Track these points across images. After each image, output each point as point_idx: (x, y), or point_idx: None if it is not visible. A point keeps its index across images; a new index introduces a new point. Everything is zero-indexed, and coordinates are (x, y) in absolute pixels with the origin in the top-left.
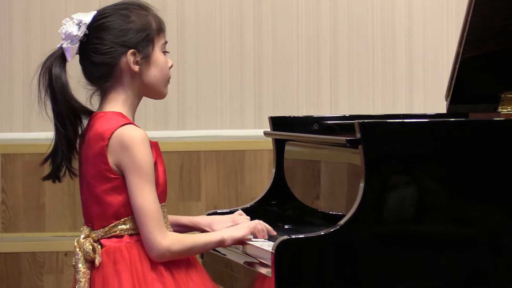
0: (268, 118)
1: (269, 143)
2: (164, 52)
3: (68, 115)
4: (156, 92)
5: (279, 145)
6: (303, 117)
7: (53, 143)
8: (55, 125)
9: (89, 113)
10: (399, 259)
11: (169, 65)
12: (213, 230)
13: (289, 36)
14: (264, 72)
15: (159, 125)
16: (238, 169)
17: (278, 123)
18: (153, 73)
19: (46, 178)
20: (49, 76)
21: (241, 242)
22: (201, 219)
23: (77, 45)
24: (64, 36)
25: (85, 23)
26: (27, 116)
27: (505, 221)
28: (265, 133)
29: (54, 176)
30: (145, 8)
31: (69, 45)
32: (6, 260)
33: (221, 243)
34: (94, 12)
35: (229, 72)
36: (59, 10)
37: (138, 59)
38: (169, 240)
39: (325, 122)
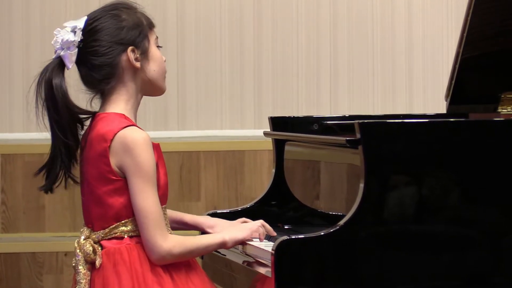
0: (268, 118)
1: (269, 143)
2: (158, 47)
3: (69, 124)
4: (157, 88)
5: (279, 145)
6: (303, 117)
7: (49, 153)
8: (53, 134)
9: (92, 115)
10: (399, 259)
11: (164, 59)
12: (215, 232)
13: (289, 36)
14: (264, 72)
15: (159, 125)
16: (237, 169)
17: (278, 123)
18: (152, 68)
19: (42, 188)
20: (49, 87)
21: (242, 242)
22: (205, 221)
23: (76, 51)
24: (60, 45)
25: (80, 28)
26: (27, 116)
27: (505, 221)
28: (265, 133)
29: (51, 186)
30: (132, 7)
31: (67, 52)
32: (6, 260)
33: (222, 245)
34: (85, 17)
35: (229, 72)
36: (58, 10)
37: (138, 55)
38: (170, 243)
39: (325, 122)
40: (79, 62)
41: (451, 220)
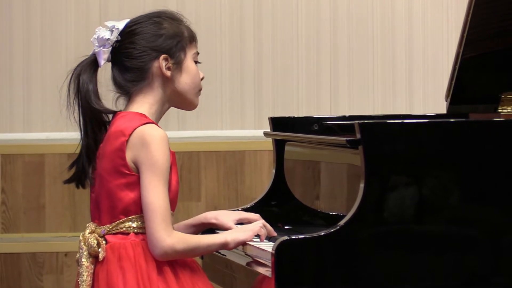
0: (268, 118)
1: (269, 144)
2: (196, 62)
3: (91, 122)
4: (187, 101)
5: (279, 145)
6: (303, 117)
7: (79, 147)
8: (80, 130)
9: (113, 113)
10: (399, 259)
11: (201, 76)
12: (218, 221)
13: (289, 36)
14: (264, 72)
15: (159, 125)
16: (238, 170)
17: (278, 123)
18: (184, 81)
19: (67, 181)
20: (77, 82)
21: (243, 243)
22: (207, 214)
23: (109, 49)
24: (97, 42)
25: (118, 28)
26: (27, 116)
27: (505, 221)
28: (265, 134)
29: (75, 180)
30: (177, 19)
31: (101, 49)
32: (6, 261)
33: (224, 246)
34: (127, 20)
35: (229, 72)
36: (59, 10)
37: (170, 64)
38: (174, 239)
39: (325, 122)
40: (113, 62)
41: (451, 220)
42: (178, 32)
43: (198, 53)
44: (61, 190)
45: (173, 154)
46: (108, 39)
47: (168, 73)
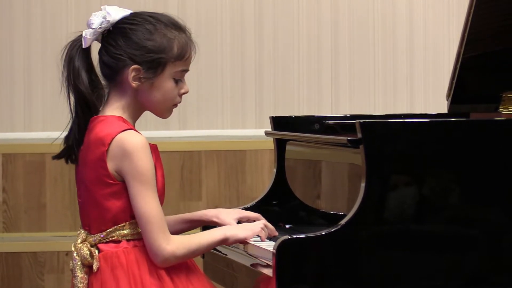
0: (269, 118)
1: (270, 143)
2: (177, 80)
3: (79, 101)
4: (156, 112)
5: (280, 145)
6: (304, 117)
7: (69, 125)
8: (71, 108)
9: (95, 108)
10: (399, 259)
11: (182, 92)
12: (220, 220)
13: (290, 36)
14: (265, 71)
15: (160, 125)
16: (239, 169)
17: (279, 123)
18: (153, 95)
19: (56, 157)
20: (67, 58)
21: (243, 241)
22: (208, 211)
23: (93, 37)
24: (88, 23)
25: (108, 20)
26: (28, 116)
27: (505, 221)
28: (266, 133)
29: (65, 156)
30: (176, 30)
31: (86, 35)
32: (7, 260)
33: (223, 242)
34: (127, 13)
35: (230, 71)
36: (59, 10)
37: (141, 76)
38: (174, 245)
39: (326, 122)
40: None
41: (452, 220)
42: (165, 48)
43: (186, 71)
44: (62, 190)
45: (155, 148)
46: (94, 28)
47: (134, 84)
